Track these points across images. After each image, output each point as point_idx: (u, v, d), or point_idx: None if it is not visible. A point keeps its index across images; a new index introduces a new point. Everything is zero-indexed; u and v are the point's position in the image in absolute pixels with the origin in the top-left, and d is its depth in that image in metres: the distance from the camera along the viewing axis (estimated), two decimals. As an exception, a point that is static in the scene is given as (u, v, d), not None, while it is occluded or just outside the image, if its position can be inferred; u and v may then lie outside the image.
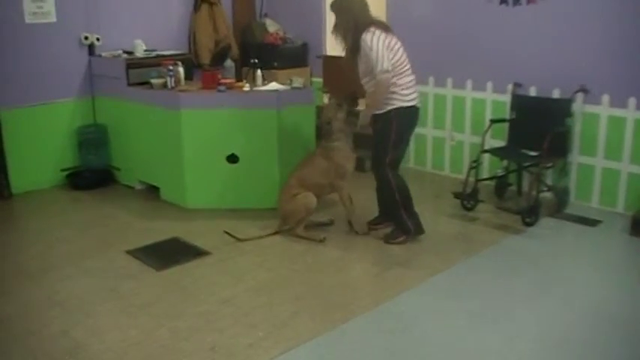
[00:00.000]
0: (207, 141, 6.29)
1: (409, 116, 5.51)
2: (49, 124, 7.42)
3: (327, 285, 4.89)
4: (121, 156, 7.43)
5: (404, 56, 5.40)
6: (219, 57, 8.32)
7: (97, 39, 7.61)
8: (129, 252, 5.50)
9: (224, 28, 8.50)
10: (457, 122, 7.39)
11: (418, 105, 5.55)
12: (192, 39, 8.38)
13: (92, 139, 7.52)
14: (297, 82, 6.51)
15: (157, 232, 5.90)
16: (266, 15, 9.20)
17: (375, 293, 4.79)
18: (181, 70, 6.70)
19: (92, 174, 7.48)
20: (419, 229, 5.63)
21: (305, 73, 8.48)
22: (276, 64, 8.24)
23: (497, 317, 4.38)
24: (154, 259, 5.32)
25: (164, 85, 6.61)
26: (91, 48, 7.64)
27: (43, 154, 7.40)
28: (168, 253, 5.44)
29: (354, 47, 5.36)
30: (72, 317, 4.49)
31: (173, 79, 6.58)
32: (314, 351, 4.00)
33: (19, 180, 7.24)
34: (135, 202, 6.90)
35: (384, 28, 5.37)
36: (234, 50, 8.60)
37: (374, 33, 5.22)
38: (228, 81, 6.51)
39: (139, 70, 7.09)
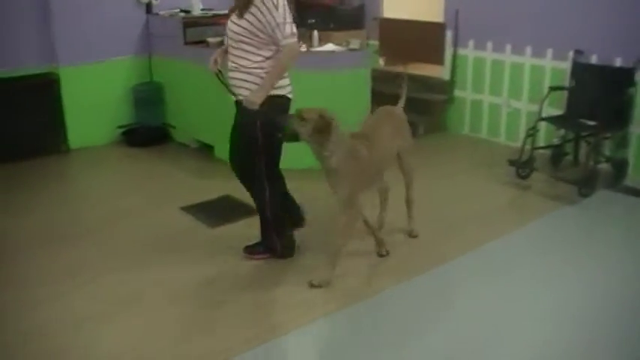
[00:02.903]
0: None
1: (285, 109, 4.46)
2: (106, 82, 7.52)
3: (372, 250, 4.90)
4: (177, 114, 7.50)
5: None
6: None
7: (155, -3, 7.67)
8: (183, 208, 5.59)
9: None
10: (515, 89, 7.26)
11: (290, 95, 4.57)
12: (249, -1, 8.33)
13: (148, 96, 7.59)
14: (354, 43, 6.46)
15: (210, 190, 5.95)
16: (323, -24, 9.13)
17: (425, 258, 4.77)
18: (237, 29, 6.68)
19: (147, 131, 7.57)
20: (288, 252, 4.73)
21: (361, 35, 8.39)
22: (332, 25, 8.17)
23: (545, 288, 4.34)
24: (206, 216, 5.39)
25: (221, 44, 6.60)
26: (148, 7, 7.69)
27: (99, 111, 7.51)
28: (221, 211, 5.50)
29: (244, 3, 4.20)
30: (130, 269, 4.60)
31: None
32: (370, 306, 4.03)
33: (76, 136, 7.38)
34: (189, 159, 6.99)
35: None
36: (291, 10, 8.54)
37: None
38: (284, 42, 6.48)
39: (196, 29, 7.12)
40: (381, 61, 8.54)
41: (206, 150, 7.07)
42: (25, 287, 4.42)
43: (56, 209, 5.78)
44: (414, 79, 8.07)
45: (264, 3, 4.11)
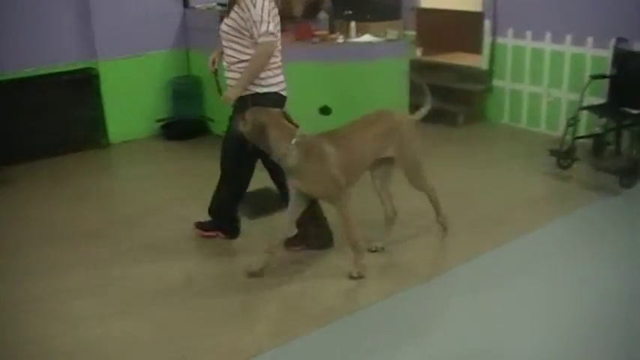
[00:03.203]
0: (299, 92, 6.24)
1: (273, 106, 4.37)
2: (145, 76, 7.58)
3: (426, 233, 4.89)
4: (215, 107, 7.51)
5: (280, 34, 4.46)
6: (311, 9, 8.26)
7: (192, -9, 7.70)
8: (221, 201, 5.61)
9: (318, -21, 8.41)
10: (555, 78, 7.16)
11: (284, 93, 4.59)
12: (285, -10, 8.34)
13: (186, 90, 7.64)
14: (392, 34, 6.43)
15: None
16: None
17: (467, 248, 4.73)
18: (274, 22, 6.70)
19: (186, 124, 7.62)
20: (234, 233, 4.94)
21: (398, 26, 8.34)
22: (369, 16, 8.12)
23: (586, 279, 4.30)
24: (246, 207, 5.37)
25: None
26: (185, 0, 7.73)
27: (138, 104, 7.58)
28: (260, 203, 5.51)
29: (230, 1, 4.40)
30: (168, 260, 4.66)
31: (266, 31, 6.58)
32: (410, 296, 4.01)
33: (115, 130, 7.46)
34: (227, 152, 6.99)
35: None
36: (327, 2, 8.53)
37: None
38: (321, 33, 6.49)
39: (233, 22, 7.12)
40: (419, 52, 8.48)
41: (245, 141, 7.07)
42: (56, 277, 4.50)
43: (94, 202, 5.88)
44: (451, 68, 8.03)
45: (244, 0, 4.20)
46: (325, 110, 6.25)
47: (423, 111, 4.78)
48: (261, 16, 4.18)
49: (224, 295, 4.20)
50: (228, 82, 4.48)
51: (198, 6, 7.65)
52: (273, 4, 4.31)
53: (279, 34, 4.39)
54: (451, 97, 7.70)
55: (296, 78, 6.20)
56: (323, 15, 6.78)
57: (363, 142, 4.37)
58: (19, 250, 4.95)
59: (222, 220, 4.91)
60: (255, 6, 4.18)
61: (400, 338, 3.69)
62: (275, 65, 4.44)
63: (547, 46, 7.15)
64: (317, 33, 6.45)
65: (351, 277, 4.31)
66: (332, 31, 7.00)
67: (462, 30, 8.00)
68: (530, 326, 3.78)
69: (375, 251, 4.66)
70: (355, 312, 3.98)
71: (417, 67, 7.60)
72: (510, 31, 7.44)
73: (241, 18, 4.25)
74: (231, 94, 4.39)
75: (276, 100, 4.46)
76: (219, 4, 7.55)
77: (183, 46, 7.77)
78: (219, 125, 7.41)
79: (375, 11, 8.27)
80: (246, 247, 4.77)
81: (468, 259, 4.53)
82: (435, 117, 7.41)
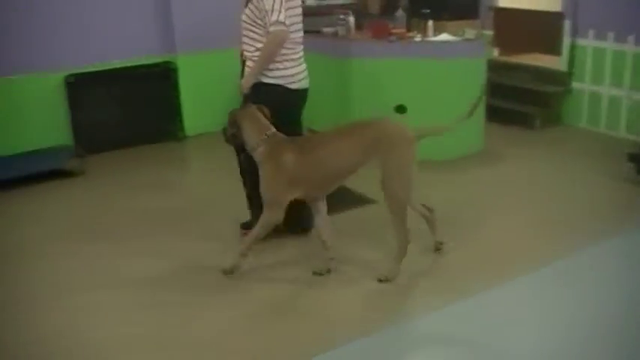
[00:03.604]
0: (375, 90, 6.30)
1: (276, 98, 4.51)
2: (221, 70, 7.65)
3: (495, 239, 4.83)
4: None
5: (298, 26, 4.57)
6: (388, 7, 8.26)
7: (270, -13, 7.75)
8: (298, 196, 5.64)
9: (394, -23, 8.40)
10: (637, 81, 6.99)
11: (292, 86, 4.61)
12: (362, -12, 8.36)
13: (262, 85, 7.70)
14: (470, 33, 6.37)
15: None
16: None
17: (527, 257, 4.62)
18: (352, 19, 6.72)
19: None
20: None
21: (475, 25, 8.26)
22: (446, 15, 8.06)
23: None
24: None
25: (335, 34, 6.66)
26: (263, -4, 7.79)
27: (214, 98, 7.66)
28: (335, 199, 5.50)
29: None
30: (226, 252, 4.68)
31: (344, 28, 6.61)
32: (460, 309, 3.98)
33: (191, 123, 7.60)
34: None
35: None
36: (404, 0, 8.51)
37: None
38: (398, 31, 6.47)
39: (310, 19, 7.10)
40: (495, 52, 8.38)
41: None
42: (127, 260, 4.67)
43: (169, 192, 6.04)
44: (529, 70, 7.91)
45: None
46: (401, 109, 6.23)
47: (428, 131, 4.59)
48: (273, 6, 4.26)
49: (298, 287, 4.26)
50: (246, 70, 4.58)
51: (275, 2, 7.69)
52: None
53: (296, 27, 4.50)
54: (528, 99, 7.59)
55: (372, 75, 6.25)
56: (400, 13, 6.75)
57: (337, 153, 4.20)
58: (111, 234, 5.19)
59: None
60: None
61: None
62: (287, 58, 4.50)
63: (630, 48, 6.97)
64: (394, 31, 6.42)
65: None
66: (409, 29, 6.97)
67: (541, 30, 7.86)
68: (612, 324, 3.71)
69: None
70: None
71: (493, 67, 7.51)
72: (591, 33, 7.28)
73: (256, 7, 4.35)
74: (245, 82, 4.51)
75: (280, 92, 4.52)
76: (296, 0, 7.61)
77: (260, 41, 7.83)
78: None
79: (453, 10, 8.20)
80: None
81: (535, 264, 4.44)
82: (510, 118, 7.41)
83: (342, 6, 7.35)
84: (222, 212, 5.46)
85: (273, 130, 4.24)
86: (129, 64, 7.25)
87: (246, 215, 5.03)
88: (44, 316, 4.06)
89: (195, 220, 5.37)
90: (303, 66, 4.70)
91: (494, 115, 7.09)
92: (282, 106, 4.48)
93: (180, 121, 7.56)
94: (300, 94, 4.68)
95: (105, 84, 7.14)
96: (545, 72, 7.86)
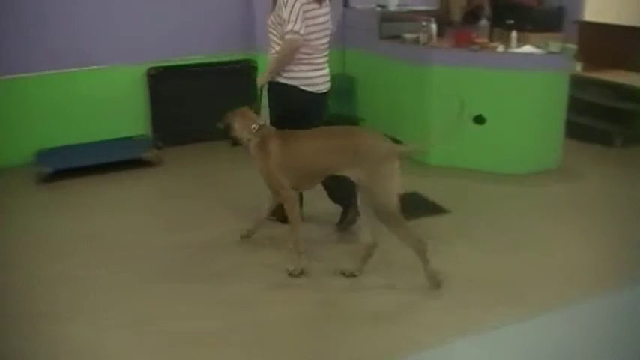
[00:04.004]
0: (454, 99, 6.24)
1: (290, 98, 4.90)
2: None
3: (567, 257, 4.74)
4: (367, 107, 7.59)
5: (310, 30, 4.77)
6: (470, 15, 8.19)
7: (353, -9, 7.80)
8: (369, 201, 5.63)
9: (478, -14, 8.33)
10: None
11: (307, 89, 4.91)
12: (445, -5, 8.30)
13: (340, 88, 7.69)
14: (554, 46, 6.26)
15: (397, 185, 5.99)
16: (522, -25, 8.90)
17: (611, 274, 4.54)
18: (434, 26, 6.68)
19: (337, 122, 7.58)
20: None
21: (558, 38, 8.11)
22: (529, 26, 7.94)
23: None
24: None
25: (416, 41, 6.63)
26: (345, 0, 7.82)
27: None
28: (409, 207, 5.46)
29: None
30: (309, 254, 4.68)
31: (426, 35, 6.57)
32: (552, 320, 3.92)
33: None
34: (376, 153, 7.00)
35: None
36: (487, 9, 8.42)
37: None
38: (481, 41, 6.41)
39: (392, 24, 7.17)
40: (578, 66, 8.21)
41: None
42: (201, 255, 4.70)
43: (238, 188, 6.13)
44: (613, 86, 7.73)
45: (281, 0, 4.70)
46: (479, 119, 6.17)
47: (411, 147, 4.72)
48: (289, 16, 4.63)
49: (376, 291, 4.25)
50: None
51: (358, 6, 7.72)
52: (309, 5, 4.72)
53: (317, 34, 4.87)
54: (610, 117, 7.42)
55: (452, 84, 6.20)
56: (484, 22, 6.68)
57: (315, 151, 4.40)
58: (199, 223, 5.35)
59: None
60: (286, 6, 4.65)
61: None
62: (304, 62, 4.85)
63: None
64: (477, 40, 6.36)
65: (289, 274, 4.46)
66: (491, 39, 6.90)
67: (627, 46, 7.69)
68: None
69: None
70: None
71: (576, 82, 7.36)
72: (680, 51, 7.09)
73: (278, 15, 4.74)
74: (260, 79, 5.01)
75: (294, 93, 4.89)
76: (378, 5, 7.61)
77: (340, 44, 7.86)
78: (370, 125, 7.51)
79: (537, 22, 8.05)
80: (394, 249, 4.75)
81: (607, 286, 4.33)
82: (590, 136, 7.25)
83: (424, 12, 7.31)
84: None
85: (262, 123, 4.66)
86: (210, 60, 7.37)
87: (318, 215, 5.06)
88: (132, 302, 4.19)
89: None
90: (324, 71, 5.09)
91: (574, 131, 6.95)
92: (294, 106, 4.91)
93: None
94: (315, 97, 4.99)
95: (185, 78, 7.28)
96: (629, 89, 7.66)
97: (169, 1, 7.15)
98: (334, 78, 7.66)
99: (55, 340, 3.79)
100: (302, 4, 4.67)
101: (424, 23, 6.60)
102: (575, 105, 7.05)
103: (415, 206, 5.52)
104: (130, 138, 7.14)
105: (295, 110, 4.89)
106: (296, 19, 4.64)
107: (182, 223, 5.39)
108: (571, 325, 3.93)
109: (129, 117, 7.25)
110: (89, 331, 3.88)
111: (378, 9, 7.52)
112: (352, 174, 4.24)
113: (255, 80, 5.27)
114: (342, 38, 7.86)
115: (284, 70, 4.82)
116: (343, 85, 7.72)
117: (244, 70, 7.48)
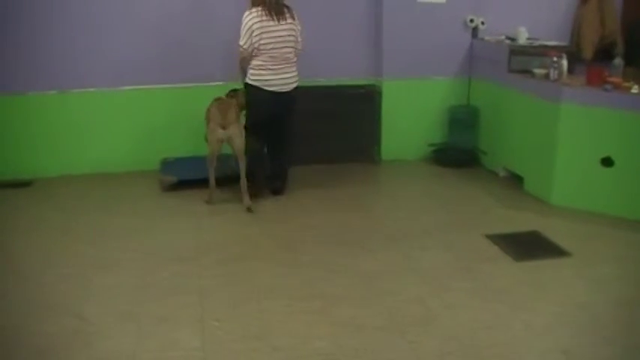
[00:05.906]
0: (582, 139, 6.10)
1: (256, 95, 6.20)
2: (424, 99, 7.78)
3: None
4: (489, 140, 7.51)
5: (265, 42, 6.01)
6: (602, 53, 7.98)
7: (482, 22, 7.74)
8: (487, 236, 5.56)
9: (612, 23, 8.10)
10: None
11: (268, 88, 6.14)
12: (577, 31, 8.12)
13: (463, 119, 7.70)
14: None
15: (517, 222, 5.90)
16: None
17: None
18: (565, 62, 6.55)
19: (458, 153, 7.67)
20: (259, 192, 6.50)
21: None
22: (666, 66, 7.68)
23: None
24: (512, 248, 5.32)
25: (546, 76, 6.52)
26: (474, 31, 7.80)
27: (413, 126, 7.80)
28: (528, 246, 5.41)
29: None
30: (427, 286, 4.71)
31: (556, 71, 6.46)
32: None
33: (389, 147, 7.77)
34: (497, 187, 6.92)
35: (270, 13, 6.01)
36: (620, 46, 8.19)
37: (251, 12, 6.02)
38: (615, 80, 6.23)
39: (521, 58, 7.06)
40: None
41: (515, 180, 6.95)
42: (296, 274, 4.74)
43: (359, 212, 6.22)
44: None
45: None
46: (607, 162, 5.98)
47: None
48: (240, 32, 6.03)
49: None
50: None
51: (486, 38, 7.67)
52: (263, 23, 5.97)
53: (273, 45, 6.05)
54: None
55: (581, 123, 6.06)
56: (619, 61, 6.49)
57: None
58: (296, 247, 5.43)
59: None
60: (242, 23, 6.01)
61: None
62: (263, 67, 6.10)
63: None
64: (610, 79, 6.19)
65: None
66: (625, 78, 6.69)
67: None
68: None
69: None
70: None
71: None
72: None
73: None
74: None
75: (255, 91, 6.19)
76: (508, 37, 7.55)
77: (465, 75, 7.84)
78: (491, 158, 7.45)
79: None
80: (510, 288, 4.69)
81: None
82: None
83: (554, 47, 7.17)
84: (409, 242, 5.50)
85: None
86: (338, 83, 7.53)
87: (437, 248, 5.08)
88: (243, 319, 4.30)
89: (385, 243, 5.49)
90: (282, 75, 6.16)
91: None
92: (256, 101, 6.22)
93: (379, 144, 7.71)
94: (276, 95, 6.17)
95: (310, 99, 7.39)
96: None
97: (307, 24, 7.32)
98: (456, 109, 7.73)
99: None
100: (255, 22, 5.95)
101: (555, 59, 6.48)
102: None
103: (536, 245, 5.42)
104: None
105: (256, 104, 6.26)
106: (244, 34, 5.99)
107: (295, 244, 5.48)
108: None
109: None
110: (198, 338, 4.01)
111: (508, 41, 7.45)
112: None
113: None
114: (468, 69, 7.83)
115: (250, 74, 6.15)
116: (466, 117, 7.69)
117: (369, 95, 7.64)
